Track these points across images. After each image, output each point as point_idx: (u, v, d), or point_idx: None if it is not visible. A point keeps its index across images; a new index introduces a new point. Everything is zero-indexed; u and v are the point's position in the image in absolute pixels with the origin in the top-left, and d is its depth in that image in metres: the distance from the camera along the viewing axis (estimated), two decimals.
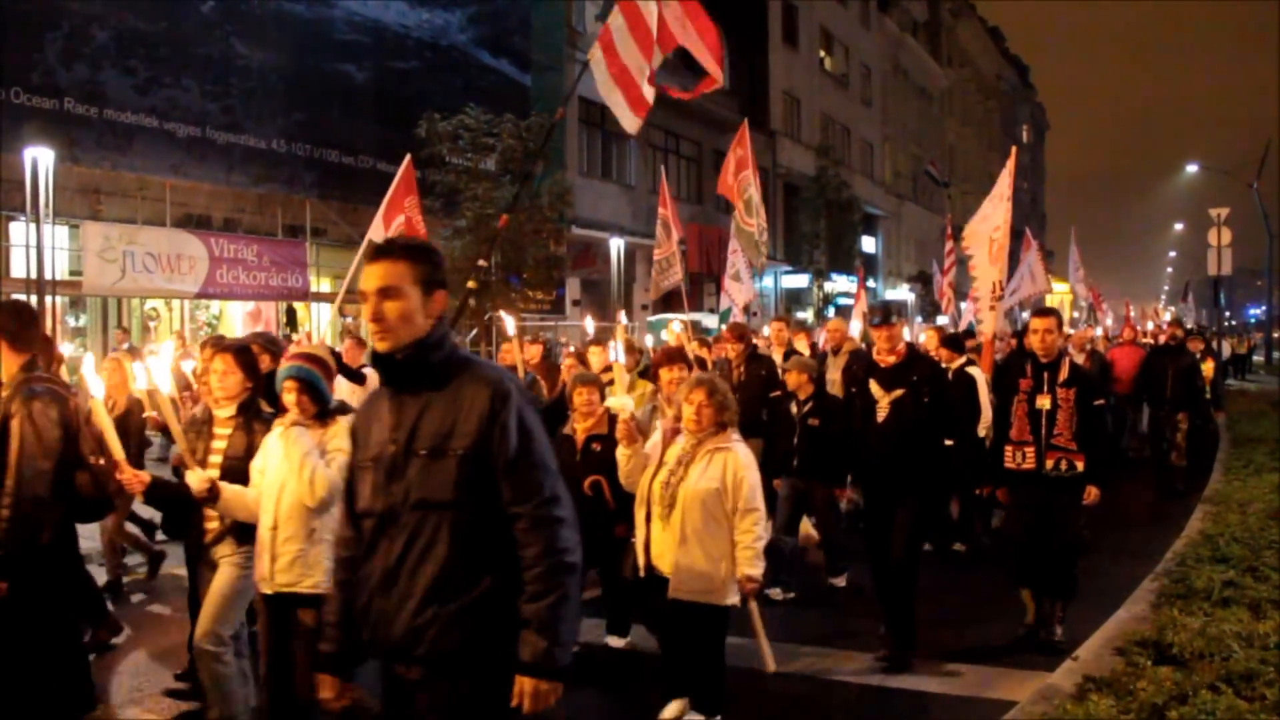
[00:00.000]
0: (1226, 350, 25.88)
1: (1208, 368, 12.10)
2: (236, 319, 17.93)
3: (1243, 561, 6.28)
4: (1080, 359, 11.38)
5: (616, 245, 22.55)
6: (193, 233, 15.83)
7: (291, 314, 18.43)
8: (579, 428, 5.43)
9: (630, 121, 8.61)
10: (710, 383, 4.48)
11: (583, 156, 23.55)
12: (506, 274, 17.28)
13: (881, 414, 5.46)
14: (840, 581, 6.97)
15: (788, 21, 33.96)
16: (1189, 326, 16.11)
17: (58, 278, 13.27)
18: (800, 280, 31.98)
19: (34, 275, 12.30)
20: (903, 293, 41.19)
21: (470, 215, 16.65)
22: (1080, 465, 5.46)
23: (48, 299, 12.43)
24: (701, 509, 4.27)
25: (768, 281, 32.98)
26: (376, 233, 8.96)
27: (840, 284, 31.61)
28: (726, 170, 11.65)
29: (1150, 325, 21.50)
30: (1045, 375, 5.61)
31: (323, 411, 3.99)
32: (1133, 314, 22.62)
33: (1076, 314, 25.13)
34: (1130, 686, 4.35)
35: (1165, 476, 10.74)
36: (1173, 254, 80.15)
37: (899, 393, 5.42)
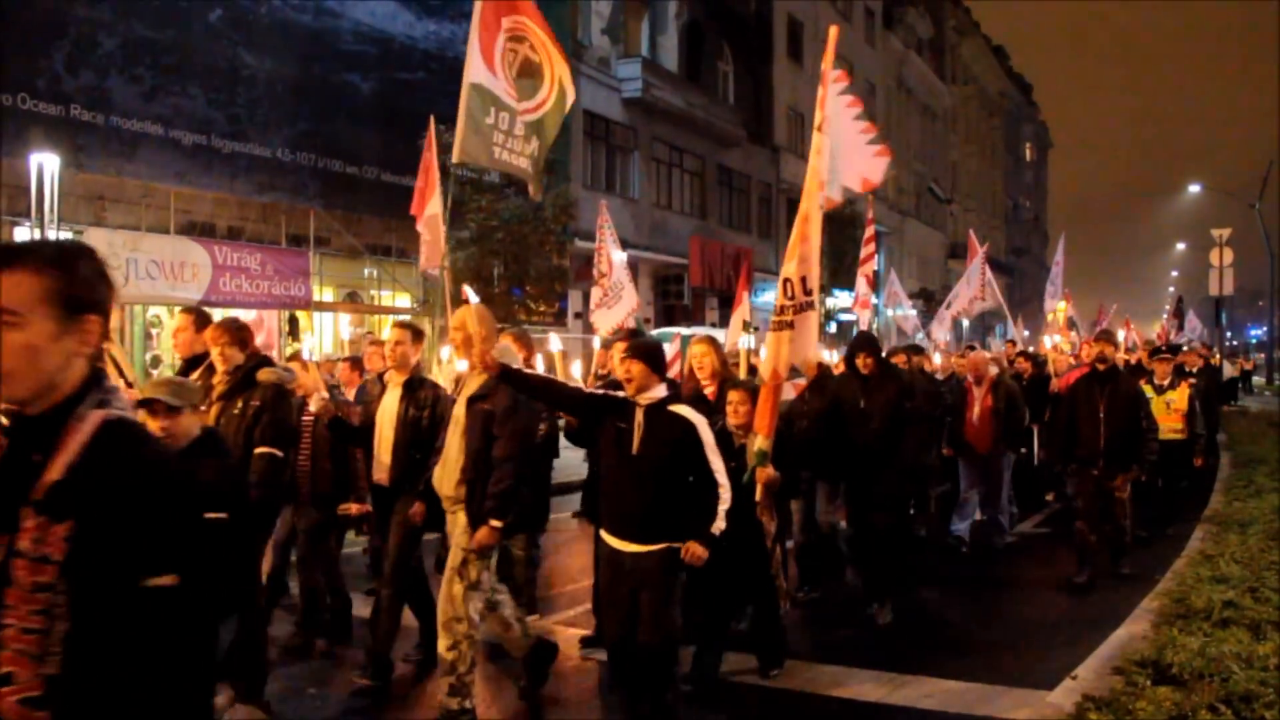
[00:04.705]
0: (1227, 372, 25.15)
1: (1179, 396, 9.16)
2: None
3: (1243, 582, 6.26)
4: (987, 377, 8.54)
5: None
6: (196, 240, 15.86)
7: (294, 323, 18.45)
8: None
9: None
10: None
11: (587, 169, 23.59)
12: (510, 286, 17.33)
13: None
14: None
15: (793, 37, 34.12)
16: (1182, 342, 13.08)
17: None
18: None
19: None
20: (904, 309, 41.16)
21: (474, 226, 16.72)
22: None
23: None
24: None
25: (768, 297, 33.00)
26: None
27: (843, 300, 31.61)
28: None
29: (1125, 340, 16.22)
30: None
31: None
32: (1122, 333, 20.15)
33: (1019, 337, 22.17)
34: (1129, 706, 4.34)
35: (1101, 553, 7.49)
36: (1174, 274, 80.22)
37: None
